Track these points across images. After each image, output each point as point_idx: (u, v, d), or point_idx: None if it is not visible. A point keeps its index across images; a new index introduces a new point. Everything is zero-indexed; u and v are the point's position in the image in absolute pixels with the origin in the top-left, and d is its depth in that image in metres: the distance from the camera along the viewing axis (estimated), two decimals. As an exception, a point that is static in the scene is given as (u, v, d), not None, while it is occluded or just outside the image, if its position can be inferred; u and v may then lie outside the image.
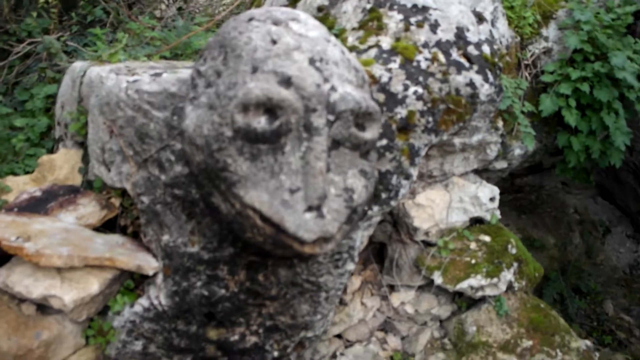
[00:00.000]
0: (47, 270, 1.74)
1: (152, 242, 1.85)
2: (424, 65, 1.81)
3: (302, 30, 1.44)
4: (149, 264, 1.83)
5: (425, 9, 1.93)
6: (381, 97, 1.77)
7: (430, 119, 1.82)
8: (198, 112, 1.46)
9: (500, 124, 2.24)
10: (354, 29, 1.95)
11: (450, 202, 2.25)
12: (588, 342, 2.20)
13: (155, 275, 1.83)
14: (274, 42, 1.38)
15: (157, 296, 1.81)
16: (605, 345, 3.30)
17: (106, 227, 2.04)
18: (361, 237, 1.90)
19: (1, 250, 1.75)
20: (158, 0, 4.00)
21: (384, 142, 1.78)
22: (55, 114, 2.63)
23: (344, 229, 1.40)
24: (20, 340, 1.70)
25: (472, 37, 1.92)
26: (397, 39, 1.85)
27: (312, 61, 1.39)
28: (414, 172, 1.87)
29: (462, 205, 2.28)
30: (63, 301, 1.68)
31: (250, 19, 1.46)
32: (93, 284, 1.76)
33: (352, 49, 1.89)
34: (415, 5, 1.94)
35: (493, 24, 2.17)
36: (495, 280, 2.19)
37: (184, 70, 1.92)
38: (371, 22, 1.91)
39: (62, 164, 2.27)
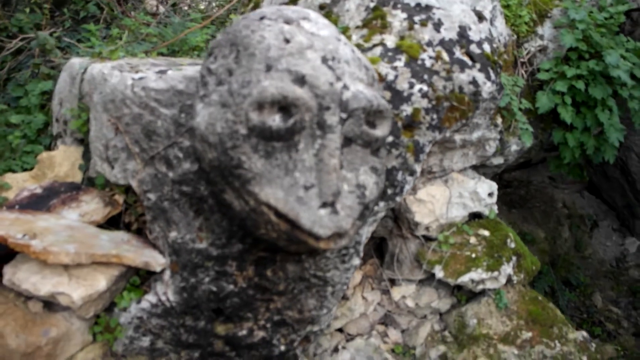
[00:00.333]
0: (54, 268, 1.74)
1: (158, 238, 1.85)
2: (428, 63, 1.84)
3: (314, 29, 1.45)
4: (156, 260, 1.84)
5: (428, 7, 1.95)
6: (387, 94, 1.80)
7: (435, 116, 1.85)
8: (210, 109, 1.47)
9: (499, 120, 2.28)
10: (357, 27, 1.97)
11: (450, 197, 2.29)
12: (584, 333, 2.27)
13: (162, 271, 1.84)
14: (287, 40, 1.40)
15: (165, 292, 1.82)
16: (595, 336, 3.37)
17: (109, 224, 2.04)
18: (366, 232, 1.93)
19: (4, 248, 1.74)
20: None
21: (390, 139, 1.81)
22: (52, 110, 2.61)
23: (356, 225, 1.43)
24: (29, 337, 1.70)
25: (474, 35, 1.95)
26: (402, 38, 1.88)
27: (324, 60, 1.41)
28: (418, 168, 1.90)
29: (461, 200, 2.32)
30: (71, 298, 1.69)
31: (262, 18, 1.47)
32: (100, 281, 1.77)
33: (357, 47, 1.91)
34: (418, 4, 1.96)
35: (492, 22, 2.20)
36: (495, 273, 2.24)
37: (189, 68, 1.92)
38: (375, 21, 1.93)
39: (62, 161, 2.26)
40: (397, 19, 1.92)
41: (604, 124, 2.39)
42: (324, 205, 1.36)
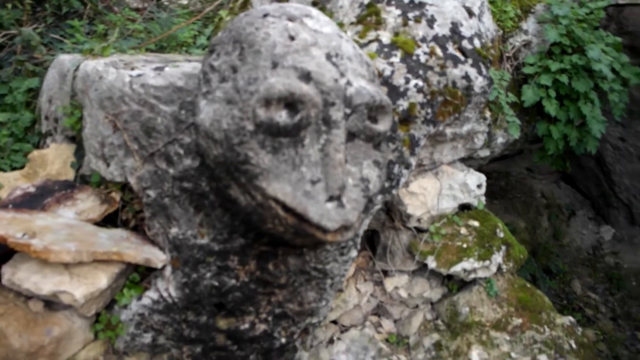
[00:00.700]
0: (55, 267, 1.74)
1: (158, 235, 1.86)
2: (423, 59, 1.89)
3: (317, 26, 1.48)
4: (157, 256, 1.85)
5: (421, 4, 2.00)
6: (384, 90, 1.84)
7: (430, 110, 1.90)
8: (214, 106, 1.48)
9: (488, 114, 2.34)
10: (352, 23, 2.00)
11: (441, 189, 2.35)
12: (571, 318, 2.36)
13: (163, 268, 1.85)
14: (292, 38, 1.42)
15: (167, 288, 1.83)
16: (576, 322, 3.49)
17: (106, 222, 2.04)
18: (364, 225, 1.97)
19: (3, 248, 1.73)
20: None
21: (387, 133, 1.85)
22: (39, 108, 2.58)
23: (361, 218, 1.47)
24: (31, 337, 1.69)
25: (465, 31, 2.00)
26: (396, 34, 1.92)
27: (328, 56, 1.44)
28: (414, 161, 1.95)
29: (451, 192, 2.38)
30: (74, 296, 1.69)
31: (265, 15, 1.49)
32: (102, 279, 1.77)
33: (352, 43, 1.94)
34: (412, 1, 2.01)
35: (480, 18, 2.26)
36: (487, 262, 2.31)
37: (185, 64, 1.93)
38: (370, 17, 1.97)
39: (54, 159, 2.24)
40: (391, 15, 1.96)
41: (587, 116, 2.48)
42: (330, 198, 1.40)
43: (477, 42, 2.03)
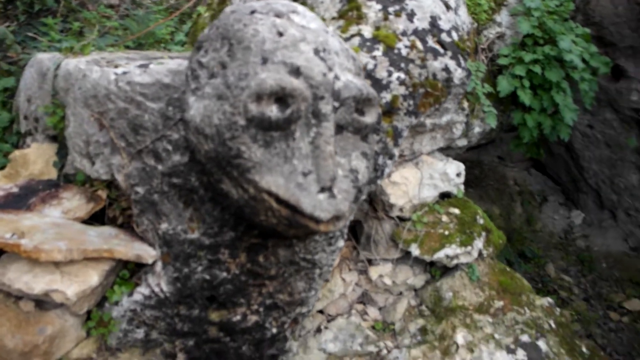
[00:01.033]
0: (45, 266, 1.74)
1: (147, 231, 1.87)
2: (404, 52, 1.94)
3: (304, 22, 1.52)
4: (148, 252, 1.86)
5: (401, -2, 2.05)
6: (367, 83, 1.88)
7: (412, 102, 1.95)
8: (204, 102, 1.51)
9: (465, 105, 2.41)
10: (333, 18, 2.04)
11: (422, 179, 2.41)
12: (550, 299, 2.46)
13: (154, 263, 1.87)
14: (281, 34, 1.46)
15: (158, 283, 1.85)
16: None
17: (93, 219, 2.04)
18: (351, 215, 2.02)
19: (-8, 249, 1.73)
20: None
21: (374, 125, 1.89)
22: (17, 107, 2.54)
23: (352, 207, 1.51)
24: (25, 336, 1.70)
25: (444, 25, 2.06)
26: (377, 28, 1.97)
27: (316, 51, 1.47)
28: (397, 152, 2.01)
29: (432, 181, 2.44)
30: (66, 295, 1.69)
31: (253, 12, 1.52)
32: (92, 276, 1.78)
33: (334, 37, 1.98)
34: (391, -5, 2.06)
35: (456, 11, 2.32)
36: (469, 248, 2.39)
37: (170, 61, 1.94)
38: (351, 12, 2.01)
39: (36, 159, 2.23)
40: (372, 10, 2.01)
41: (559, 105, 2.58)
42: (322, 190, 1.43)
43: (455, 35, 2.09)
